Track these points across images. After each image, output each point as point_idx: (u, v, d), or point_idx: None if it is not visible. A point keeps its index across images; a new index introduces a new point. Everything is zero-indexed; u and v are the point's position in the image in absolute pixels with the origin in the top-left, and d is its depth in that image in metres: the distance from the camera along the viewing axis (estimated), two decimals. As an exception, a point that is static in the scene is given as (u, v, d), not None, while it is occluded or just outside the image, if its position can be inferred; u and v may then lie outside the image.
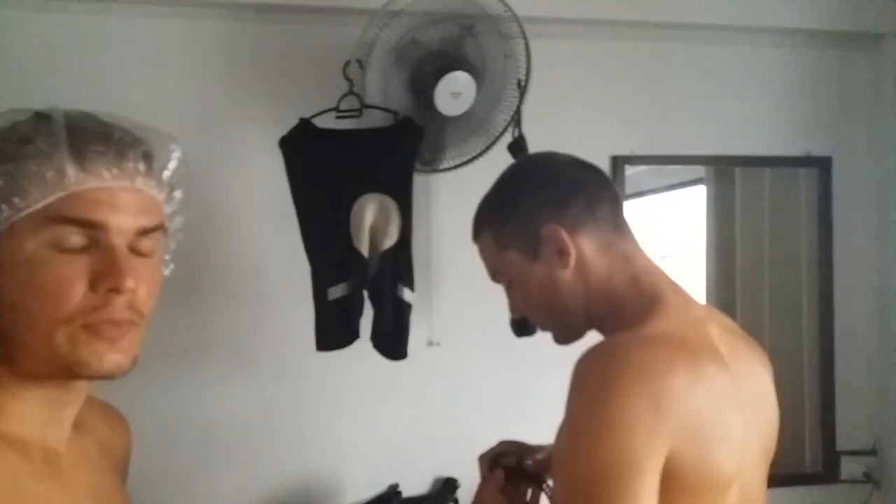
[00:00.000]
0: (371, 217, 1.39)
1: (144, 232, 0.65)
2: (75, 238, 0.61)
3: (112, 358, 0.63)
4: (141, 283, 0.63)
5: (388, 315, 1.39)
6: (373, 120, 1.44)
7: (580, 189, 0.90)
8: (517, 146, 1.46)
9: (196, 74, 1.51)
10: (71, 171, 0.60)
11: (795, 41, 1.76)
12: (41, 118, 0.63)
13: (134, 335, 0.65)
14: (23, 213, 0.60)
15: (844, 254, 1.78)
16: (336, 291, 1.38)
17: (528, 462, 1.00)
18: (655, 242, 1.76)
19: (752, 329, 0.98)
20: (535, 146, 1.45)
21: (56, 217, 0.60)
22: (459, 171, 1.50)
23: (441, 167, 1.50)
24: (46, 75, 1.42)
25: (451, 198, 1.57)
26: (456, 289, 1.59)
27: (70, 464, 0.68)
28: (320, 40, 1.53)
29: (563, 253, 0.87)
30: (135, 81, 1.47)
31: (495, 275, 0.97)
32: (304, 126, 1.41)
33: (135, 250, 0.64)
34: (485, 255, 0.96)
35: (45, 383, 0.64)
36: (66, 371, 0.63)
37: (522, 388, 1.60)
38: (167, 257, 0.75)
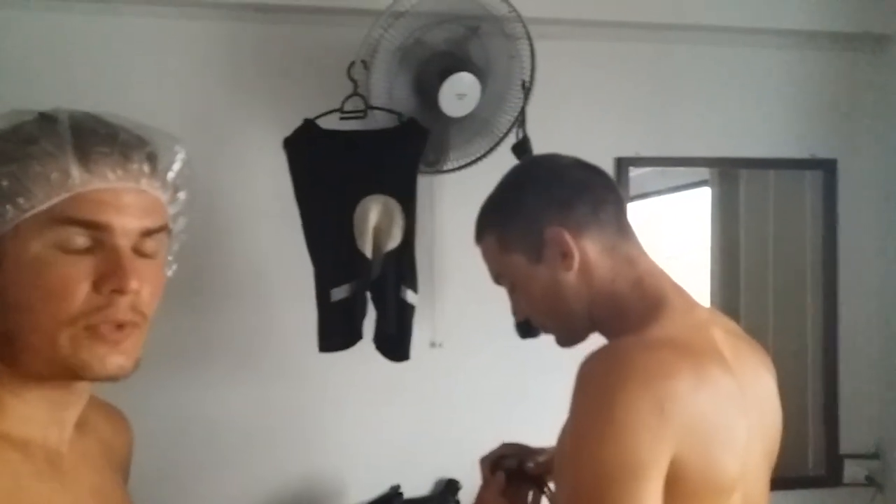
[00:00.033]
0: (375, 218, 1.39)
1: (148, 233, 0.65)
2: (80, 239, 0.61)
3: (114, 360, 0.63)
4: (144, 285, 0.63)
5: (391, 316, 1.39)
6: (377, 121, 1.44)
7: (584, 191, 0.90)
8: (521, 147, 1.45)
9: (198, 75, 1.51)
10: (76, 172, 0.61)
11: (800, 43, 1.75)
12: (45, 119, 0.63)
13: (136, 337, 0.65)
14: (27, 214, 0.60)
15: (849, 256, 1.77)
16: (339, 293, 1.38)
17: (530, 465, 1.00)
18: (659, 244, 1.75)
19: (756, 331, 0.97)
20: (539, 147, 1.45)
21: (61, 218, 0.60)
22: (463, 172, 1.49)
23: (445, 168, 1.50)
24: (47, 75, 1.42)
25: (455, 199, 1.56)
26: (459, 290, 1.59)
27: (72, 464, 0.68)
28: (324, 41, 1.53)
29: (566, 255, 0.87)
30: (136, 82, 1.47)
31: (498, 277, 0.96)
32: (308, 127, 1.40)
33: (139, 251, 0.64)
34: (487, 257, 0.96)
35: (48, 384, 0.65)
36: (68, 373, 0.63)
37: (525, 390, 1.60)
38: (170, 258, 0.75)
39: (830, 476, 1.76)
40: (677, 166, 1.75)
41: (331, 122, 1.42)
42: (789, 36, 1.73)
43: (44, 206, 0.60)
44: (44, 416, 0.66)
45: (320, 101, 1.41)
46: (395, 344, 1.41)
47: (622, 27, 1.64)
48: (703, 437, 0.75)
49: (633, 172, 1.68)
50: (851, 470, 1.76)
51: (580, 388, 0.76)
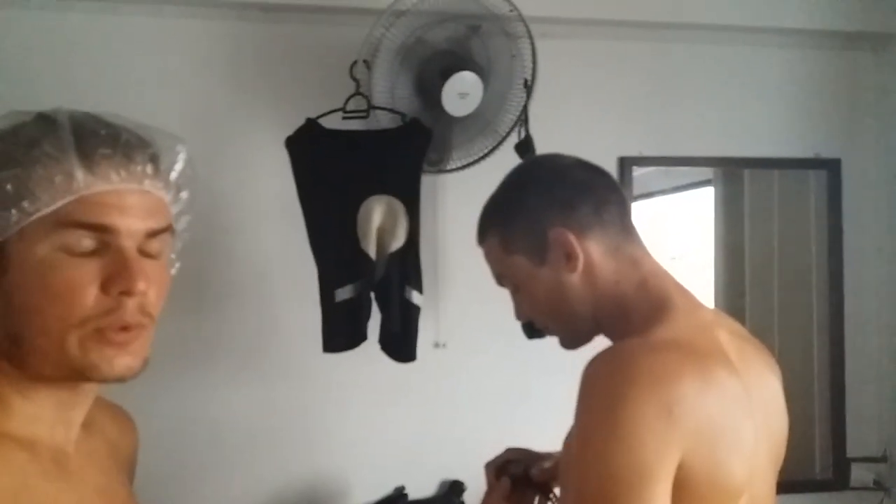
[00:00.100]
0: (379, 219, 1.38)
1: (153, 234, 0.65)
2: (85, 241, 0.61)
3: (123, 361, 0.63)
4: (151, 286, 0.63)
5: (396, 317, 1.38)
6: (379, 120, 1.44)
7: (587, 191, 0.89)
8: (524, 146, 1.45)
9: (200, 74, 1.51)
10: (80, 174, 0.61)
11: (804, 42, 1.75)
12: (45, 121, 0.63)
13: (144, 338, 0.65)
14: (32, 218, 0.60)
15: (854, 256, 1.77)
16: (343, 293, 1.37)
17: (535, 471, 0.99)
18: (663, 244, 1.75)
19: (761, 332, 0.96)
20: (542, 147, 1.45)
21: (66, 222, 0.61)
22: (466, 171, 1.49)
23: (448, 168, 1.49)
24: (47, 75, 1.43)
25: (458, 198, 1.56)
26: (462, 290, 1.59)
27: (78, 464, 0.68)
28: (326, 40, 1.53)
29: (570, 257, 0.87)
30: (138, 81, 1.47)
31: (501, 279, 0.96)
32: (311, 126, 1.40)
33: (144, 252, 0.64)
34: (490, 258, 0.95)
35: (55, 385, 0.65)
36: (76, 374, 0.63)
37: (529, 390, 1.60)
38: (173, 256, 0.75)
39: (838, 479, 1.75)
40: (681, 166, 1.75)
41: (333, 122, 1.41)
42: (793, 35, 1.73)
43: (48, 210, 0.60)
44: (51, 416, 0.66)
45: (323, 101, 1.41)
46: (400, 345, 1.41)
47: (625, 26, 1.63)
48: (710, 439, 0.74)
49: (637, 172, 1.68)
50: (859, 473, 1.75)
51: (585, 392, 0.75)
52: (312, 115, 1.40)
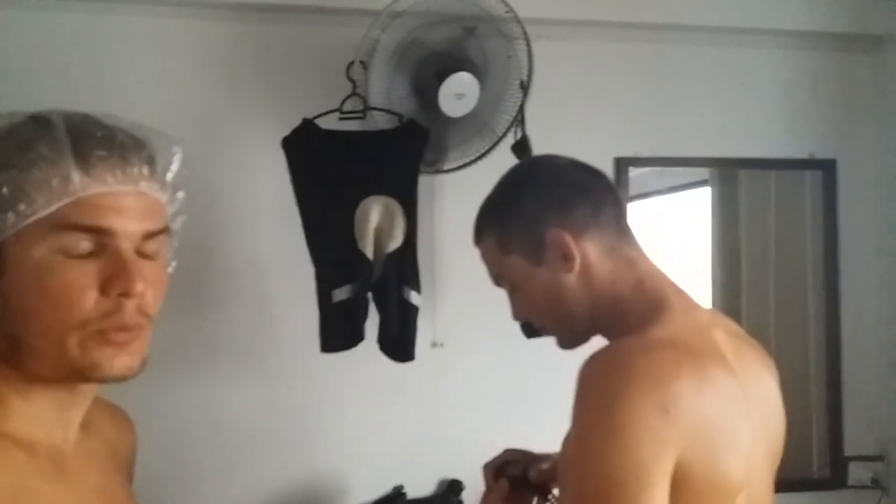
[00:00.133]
0: (376, 219, 1.38)
1: (150, 235, 0.65)
2: (83, 243, 0.61)
3: (122, 361, 0.63)
4: (149, 287, 0.64)
5: (394, 317, 1.38)
6: (376, 121, 1.44)
7: (583, 192, 0.90)
8: (521, 147, 1.45)
9: (198, 74, 1.51)
10: (76, 177, 0.61)
11: (800, 43, 1.75)
12: (40, 122, 0.63)
13: (143, 338, 0.65)
14: (29, 220, 0.60)
15: (850, 256, 1.77)
16: (341, 293, 1.37)
17: (533, 472, 0.99)
18: (660, 244, 1.75)
19: (758, 332, 0.97)
20: (538, 148, 1.45)
21: (63, 224, 0.61)
22: (462, 171, 1.49)
23: (444, 168, 1.50)
24: (46, 75, 1.43)
25: (455, 199, 1.56)
26: (459, 290, 1.59)
27: (76, 464, 0.68)
28: (323, 41, 1.53)
29: (567, 257, 0.87)
30: (136, 81, 1.47)
31: (498, 279, 0.96)
32: (307, 127, 1.40)
33: (141, 253, 0.65)
34: (487, 259, 0.96)
35: (53, 385, 0.65)
36: (76, 375, 0.63)
37: (526, 389, 1.60)
38: (168, 255, 0.75)
39: (835, 478, 1.75)
40: (677, 166, 1.75)
41: (330, 123, 1.42)
42: (789, 36, 1.73)
43: (45, 213, 0.60)
44: (49, 416, 0.66)
45: (320, 101, 1.42)
46: (398, 344, 1.41)
47: (622, 27, 1.64)
48: (707, 438, 0.74)
49: (633, 172, 1.68)
50: (856, 472, 1.75)
51: (582, 391, 0.75)
52: (309, 116, 1.40)
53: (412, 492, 1.55)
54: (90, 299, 0.61)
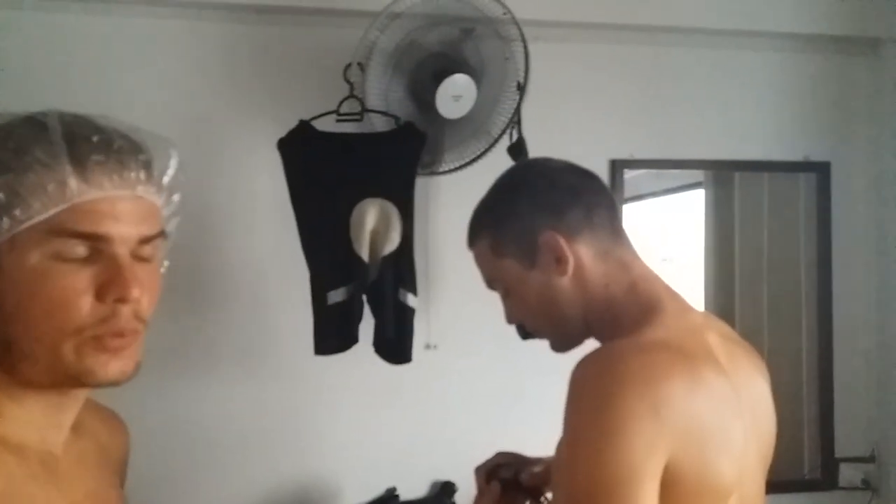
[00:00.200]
0: (372, 222, 1.38)
1: (146, 240, 0.65)
2: (78, 249, 0.61)
3: (117, 366, 0.63)
4: (145, 292, 0.63)
5: (390, 320, 1.38)
6: (373, 123, 1.44)
7: (577, 195, 0.90)
8: (517, 149, 1.46)
9: (195, 76, 1.51)
10: (73, 182, 0.60)
11: (795, 46, 1.76)
12: (35, 125, 0.62)
13: (137, 343, 0.65)
14: (24, 226, 0.60)
15: (843, 259, 1.78)
16: (336, 296, 1.37)
17: (525, 475, 0.99)
18: (654, 246, 1.76)
19: (751, 334, 0.97)
20: (534, 150, 1.45)
21: (59, 230, 0.60)
22: (458, 173, 1.49)
23: (440, 170, 1.50)
24: (45, 76, 1.42)
25: (450, 201, 1.56)
26: (454, 292, 1.59)
27: (67, 467, 0.68)
28: (321, 42, 1.53)
29: (560, 260, 0.87)
30: (134, 82, 1.46)
31: (491, 282, 0.96)
32: (303, 128, 1.40)
33: (136, 256, 0.64)
34: (481, 262, 0.96)
35: (46, 389, 0.65)
36: (70, 380, 0.63)
37: (521, 391, 1.60)
38: (162, 255, 0.74)
39: (826, 480, 1.76)
40: (672, 168, 1.76)
41: (327, 125, 1.42)
42: (783, 39, 1.74)
43: (41, 218, 0.60)
44: (41, 419, 0.66)
45: (317, 103, 1.42)
46: (395, 347, 1.41)
47: (616, 29, 1.64)
48: (699, 440, 0.75)
49: (628, 174, 1.69)
50: (847, 473, 1.76)
51: (574, 393, 0.75)
52: (306, 118, 1.40)
53: (405, 494, 1.55)
54: (86, 305, 0.61)
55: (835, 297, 1.78)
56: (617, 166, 1.67)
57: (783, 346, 1.79)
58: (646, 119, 1.69)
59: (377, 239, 1.39)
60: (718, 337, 0.86)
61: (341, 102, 1.41)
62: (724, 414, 0.78)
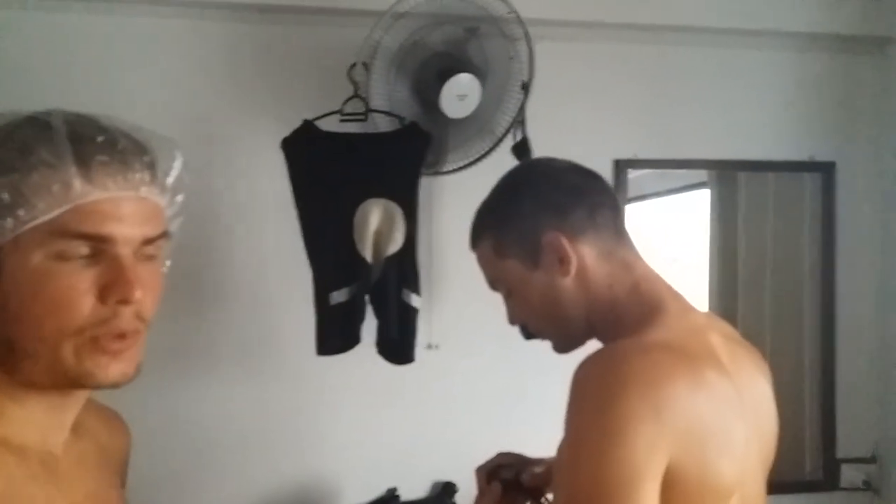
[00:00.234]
0: (376, 223, 1.38)
1: (149, 241, 0.65)
2: (81, 250, 0.61)
3: (117, 368, 0.63)
4: (147, 292, 0.63)
5: (394, 320, 1.38)
6: (377, 124, 1.44)
7: (580, 195, 0.90)
8: (521, 148, 1.46)
9: (199, 75, 1.51)
10: (77, 183, 0.60)
11: (800, 45, 1.75)
12: (40, 125, 0.62)
13: (139, 344, 0.65)
14: (27, 226, 0.60)
15: (848, 259, 1.77)
16: (338, 296, 1.37)
17: (526, 476, 0.99)
18: (658, 246, 1.76)
19: (754, 334, 0.97)
20: (538, 149, 1.45)
21: (62, 231, 0.60)
22: (461, 173, 1.49)
23: (443, 170, 1.50)
24: (47, 76, 1.42)
25: (453, 200, 1.56)
26: (456, 291, 1.59)
27: (67, 467, 0.68)
28: (325, 42, 1.53)
29: (563, 261, 0.87)
30: (137, 82, 1.46)
31: (494, 283, 0.96)
32: (307, 128, 1.40)
33: (139, 256, 0.64)
34: (483, 263, 0.96)
35: (47, 390, 0.65)
36: (70, 381, 0.63)
37: (522, 392, 1.60)
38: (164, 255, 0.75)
39: (827, 480, 1.76)
40: (676, 168, 1.75)
41: (331, 125, 1.42)
42: (788, 38, 1.73)
43: (45, 218, 0.60)
44: (42, 420, 0.66)
45: (321, 103, 1.42)
46: (398, 347, 1.41)
47: (622, 29, 1.64)
48: (700, 441, 0.75)
49: (632, 174, 1.68)
50: (849, 474, 1.76)
51: (576, 393, 0.75)
52: (310, 117, 1.40)
53: (406, 494, 1.55)
54: (87, 306, 0.61)
55: (838, 297, 1.77)
56: (621, 166, 1.67)
57: (786, 347, 1.79)
58: (650, 119, 1.69)
59: (381, 239, 1.39)
60: (721, 337, 0.86)
61: (345, 102, 1.41)
62: (725, 415, 0.78)
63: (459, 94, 1.37)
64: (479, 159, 1.48)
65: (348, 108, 1.41)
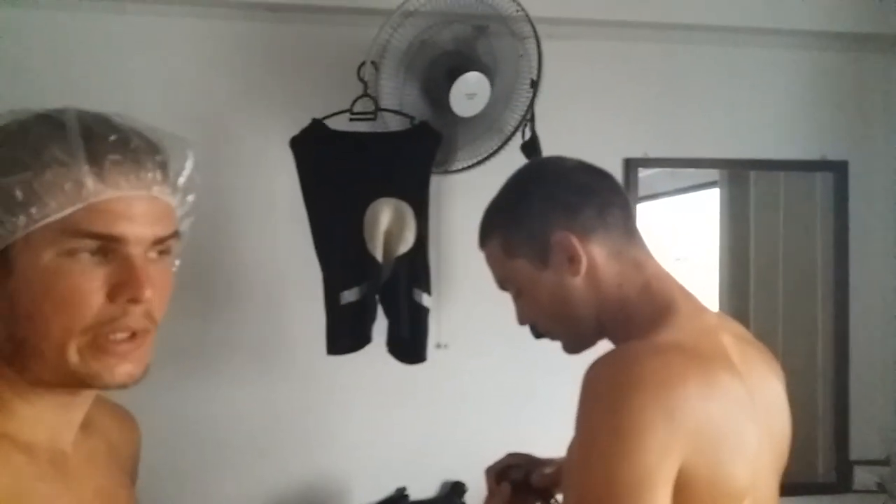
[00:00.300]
0: (386, 222, 1.38)
1: (160, 240, 0.65)
2: (92, 248, 0.61)
3: (124, 369, 0.63)
4: (157, 292, 0.63)
5: (405, 319, 1.38)
6: (387, 123, 1.44)
7: (590, 194, 0.89)
8: (531, 146, 1.45)
9: (207, 74, 1.51)
10: (90, 182, 0.60)
11: (811, 43, 1.74)
12: (53, 123, 0.62)
13: (147, 344, 0.65)
14: (39, 224, 0.60)
15: (860, 259, 1.76)
16: (349, 296, 1.37)
17: (536, 476, 0.99)
18: (669, 245, 1.75)
19: (766, 334, 0.96)
20: (547, 149, 1.45)
21: (74, 230, 0.60)
22: (470, 171, 1.49)
23: (452, 168, 1.50)
24: (52, 75, 1.43)
25: (462, 199, 1.56)
26: (465, 290, 1.59)
27: (77, 465, 0.68)
28: (334, 41, 1.53)
29: (573, 260, 0.87)
30: (144, 81, 1.47)
31: (503, 283, 0.95)
32: (316, 127, 1.40)
33: (149, 256, 0.64)
34: (492, 262, 0.95)
35: (56, 388, 0.65)
36: (77, 381, 0.63)
37: (532, 391, 1.60)
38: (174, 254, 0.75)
39: (840, 482, 1.75)
40: (687, 167, 1.74)
41: (341, 124, 1.42)
42: (800, 36, 1.72)
43: (56, 217, 0.60)
44: (50, 418, 0.66)
45: (330, 102, 1.42)
46: (409, 347, 1.41)
47: (632, 27, 1.63)
48: (713, 443, 0.74)
49: (642, 173, 1.68)
50: (862, 476, 1.74)
51: (587, 394, 0.75)
52: (319, 116, 1.40)
53: (415, 494, 1.55)
54: (96, 304, 0.61)
55: (851, 297, 1.76)
56: (631, 165, 1.66)
57: (798, 348, 1.77)
58: (660, 118, 1.68)
59: (391, 239, 1.39)
60: (732, 338, 0.86)
61: (355, 101, 1.41)
62: (738, 417, 0.78)
63: (468, 93, 1.37)
64: (487, 158, 1.48)
65: (357, 107, 1.41)
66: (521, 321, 0.96)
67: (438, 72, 1.40)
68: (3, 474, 0.60)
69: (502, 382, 1.60)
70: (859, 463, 1.75)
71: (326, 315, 1.39)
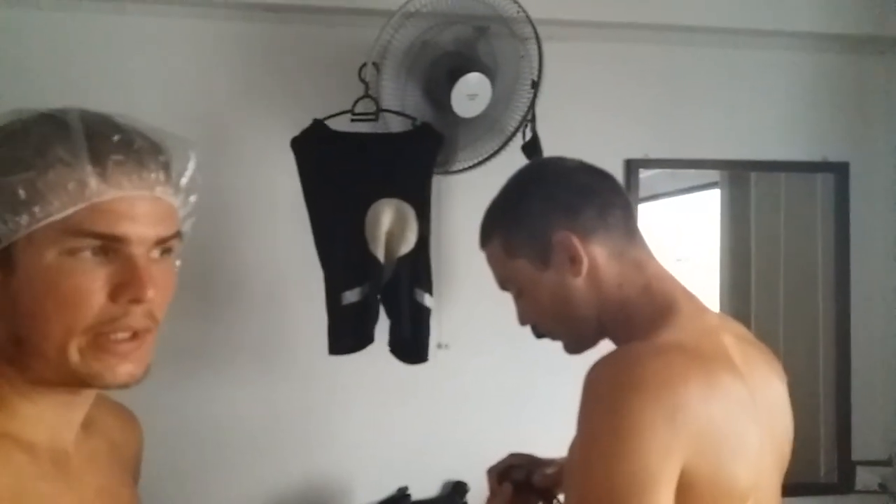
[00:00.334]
0: (388, 223, 1.38)
1: (163, 241, 0.65)
2: (95, 248, 0.61)
3: (125, 369, 0.63)
4: (159, 292, 0.63)
5: (407, 320, 1.38)
6: (388, 124, 1.44)
7: (591, 195, 0.89)
8: (532, 147, 1.45)
9: (208, 74, 1.51)
10: (93, 181, 0.60)
11: (813, 45, 1.74)
12: (56, 122, 0.62)
13: (148, 343, 0.65)
14: (42, 223, 0.60)
15: (862, 260, 1.76)
16: (351, 296, 1.37)
17: (537, 477, 0.99)
18: (670, 246, 1.75)
19: (767, 335, 0.96)
20: (548, 149, 1.45)
21: (76, 229, 0.60)
22: (471, 172, 1.49)
23: (453, 169, 1.50)
24: (52, 75, 1.43)
25: (462, 199, 1.56)
26: (466, 290, 1.59)
27: (78, 464, 0.68)
28: (336, 42, 1.53)
29: (574, 260, 0.87)
30: (145, 82, 1.47)
31: (504, 283, 0.96)
32: (317, 127, 1.40)
33: (152, 256, 0.64)
34: (493, 262, 0.95)
35: (57, 388, 0.65)
36: (77, 381, 0.63)
37: (533, 391, 1.60)
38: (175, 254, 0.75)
39: (842, 483, 1.74)
40: (687, 168, 1.74)
41: (342, 124, 1.42)
42: (802, 38, 1.72)
43: (59, 216, 0.60)
44: (52, 417, 0.66)
45: (331, 103, 1.42)
46: (411, 347, 1.41)
47: (633, 29, 1.63)
48: (715, 445, 0.74)
49: (643, 174, 1.68)
50: (864, 477, 1.74)
51: (589, 395, 0.75)
52: (320, 117, 1.40)
53: (417, 493, 1.55)
54: (97, 304, 0.61)
55: (853, 297, 1.75)
56: (632, 166, 1.66)
57: (799, 348, 1.77)
58: (661, 118, 1.68)
59: (393, 239, 1.39)
60: (734, 338, 0.86)
61: (356, 102, 1.41)
62: (739, 418, 0.78)
63: (469, 94, 1.37)
64: (488, 158, 1.48)
65: (359, 108, 1.41)
66: (522, 321, 0.96)
67: (439, 73, 1.41)
68: (5, 474, 0.60)
69: (503, 382, 1.60)
70: (861, 463, 1.75)
71: (328, 315, 1.39)
